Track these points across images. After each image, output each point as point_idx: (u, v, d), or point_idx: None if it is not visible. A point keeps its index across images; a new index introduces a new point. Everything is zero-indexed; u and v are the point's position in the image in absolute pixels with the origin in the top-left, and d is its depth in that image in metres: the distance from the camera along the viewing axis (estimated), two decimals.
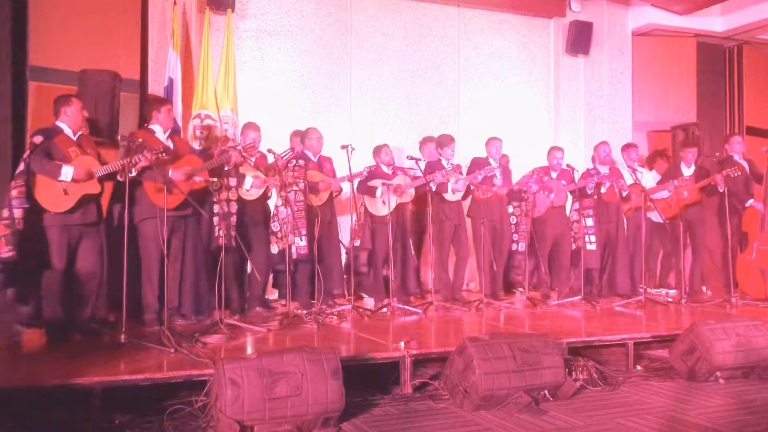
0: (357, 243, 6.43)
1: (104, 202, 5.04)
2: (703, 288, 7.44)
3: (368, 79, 7.93)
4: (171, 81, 6.46)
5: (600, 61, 8.83)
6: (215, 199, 5.32)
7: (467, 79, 8.42)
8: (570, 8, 8.74)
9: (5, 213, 4.47)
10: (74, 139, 4.76)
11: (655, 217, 7.06)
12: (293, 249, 5.70)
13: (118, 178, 4.68)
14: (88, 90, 5.62)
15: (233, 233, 5.29)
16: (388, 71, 8.03)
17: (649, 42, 9.14)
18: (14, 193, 4.49)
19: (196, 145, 6.35)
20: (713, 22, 9.10)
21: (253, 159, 5.69)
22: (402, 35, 8.12)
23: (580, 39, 8.65)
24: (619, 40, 8.92)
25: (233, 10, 6.96)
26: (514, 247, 6.86)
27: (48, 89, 6.28)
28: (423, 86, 8.19)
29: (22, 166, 4.56)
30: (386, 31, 8.04)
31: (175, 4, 6.69)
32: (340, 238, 6.45)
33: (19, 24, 5.90)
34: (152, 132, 5.17)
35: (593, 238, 6.74)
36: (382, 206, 6.19)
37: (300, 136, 6.48)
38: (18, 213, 4.48)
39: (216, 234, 5.27)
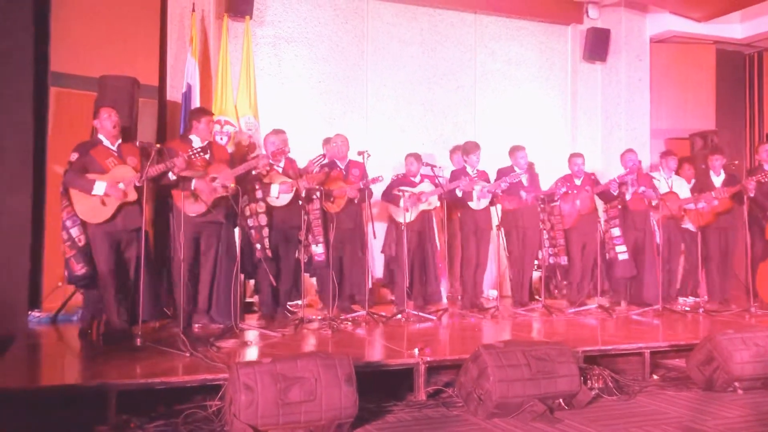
0: (382, 250, 6.47)
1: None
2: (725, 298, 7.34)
3: (384, 85, 7.95)
4: (189, 87, 6.51)
5: (617, 68, 8.79)
6: (248, 214, 5.40)
7: (484, 86, 8.42)
8: (587, 15, 8.72)
9: (64, 235, 4.64)
10: (113, 148, 4.84)
11: (687, 225, 7.03)
12: (306, 256, 5.76)
13: (136, 183, 4.74)
14: (108, 96, 5.68)
15: (267, 245, 5.39)
16: (404, 78, 8.05)
17: (667, 49, 9.08)
18: (64, 215, 4.67)
19: None
20: (733, 29, 9.02)
21: (281, 165, 5.74)
22: (418, 42, 8.14)
23: (597, 46, 8.61)
24: (636, 46, 8.87)
25: (251, 17, 7.01)
26: (552, 260, 6.83)
27: (68, 95, 6.36)
28: (439, 93, 8.19)
29: (62, 187, 4.73)
30: (403, 38, 8.07)
31: (193, 11, 6.76)
32: (364, 245, 6.41)
33: (41, 30, 5.98)
34: (190, 142, 5.25)
35: (623, 248, 6.70)
36: (405, 213, 6.19)
37: (328, 143, 6.54)
38: (75, 232, 4.65)
39: (254, 247, 5.39)
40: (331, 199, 6.06)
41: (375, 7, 7.94)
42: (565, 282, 7.30)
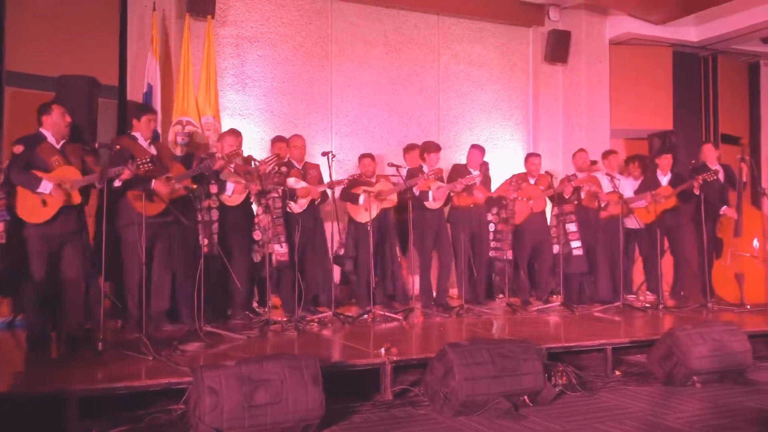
0: (342, 251, 6.44)
1: (90, 209, 4.99)
2: (680, 293, 7.51)
3: (348, 86, 7.94)
4: (150, 87, 6.43)
5: (578, 70, 8.92)
6: (198, 207, 5.31)
7: (447, 87, 8.47)
8: (548, 17, 8.82)
9: None
10: (58, 147, 4.65)
11: (632, 223, 7.13)
12: (272, 256, 5.69)
13: (96, 185, 4.64)
14: (66, 96, 5.55)
15: (215, 241, 5.30)
16: (368, 78, 8.05)
17: (626, 51, 9.25)
18: None
19: (177, 152, 6.33)
20: (688, 32, 9.23)
21: (232, 165, 5.69)
22: (382, 43, 8.15)
23: (558, 48, 8.74)
24: (596, 48, 9.01)
25: (213, 17, 6.93)
26: (493, 254, 6.94)
27: (25, 95, 6.23)
28: (403, 94, 8.22)
29: (2, 178, 4.49)
30: (367, 39, 8.07)
31: (154, 10, 6.66)
32: (325, 245, 6.40)
33: None
34: (135, 139, 5.13)
35: (578, 243, 6.79)
36: (365, 213, 6.20)
37: (284, 142, 6.49)
38: (0, 227, 4.43)
39: (200, 242, 5.25)
40: (295, 199, 6.03)
41: (339, 8, 7.92)
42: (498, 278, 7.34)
